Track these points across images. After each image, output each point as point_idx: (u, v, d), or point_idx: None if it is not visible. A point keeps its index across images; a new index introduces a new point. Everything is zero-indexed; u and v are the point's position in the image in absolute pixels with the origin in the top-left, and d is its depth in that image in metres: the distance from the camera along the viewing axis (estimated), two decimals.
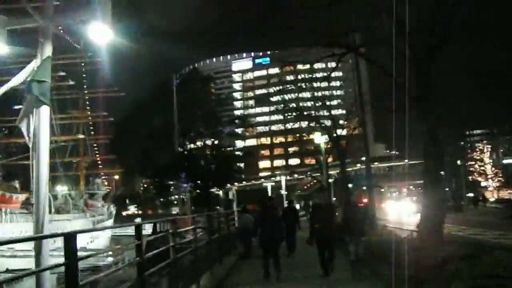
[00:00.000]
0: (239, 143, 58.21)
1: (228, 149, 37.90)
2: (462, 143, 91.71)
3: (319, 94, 34.24)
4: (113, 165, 73.48)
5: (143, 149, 35.93)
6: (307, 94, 37.76)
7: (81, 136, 73.38)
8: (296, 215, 22.01)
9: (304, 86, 35.05)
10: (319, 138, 31.23)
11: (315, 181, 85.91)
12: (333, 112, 34.02)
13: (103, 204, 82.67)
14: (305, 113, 34.14)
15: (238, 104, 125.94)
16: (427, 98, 15.00)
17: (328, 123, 33.25)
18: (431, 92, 15.24)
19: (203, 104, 37.12)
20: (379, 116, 28.22)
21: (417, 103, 14.80)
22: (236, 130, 39.30)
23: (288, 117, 41.78)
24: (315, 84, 34.60)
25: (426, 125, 15.10)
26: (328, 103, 33.48)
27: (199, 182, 36.70)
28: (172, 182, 38.02)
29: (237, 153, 39.33)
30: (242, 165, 40.16)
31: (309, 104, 35.58)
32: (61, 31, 11.65)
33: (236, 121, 38.98)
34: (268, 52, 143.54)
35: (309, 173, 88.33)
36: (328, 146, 33.44)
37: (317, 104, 31.61)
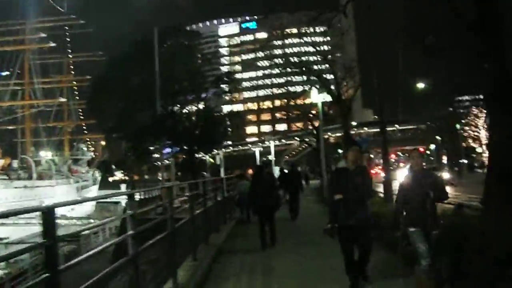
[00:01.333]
0: (226, 107, 54.84)
1: (214, 111, 34.36)
2: (451, 108, 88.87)
3: (319, 48, 30.65)
4: (96, 129, 70.49)
5: (121, 110, 32.21)
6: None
7: (62, 99, 69.84)
8: (299, 179, 21.22)
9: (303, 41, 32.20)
10: (317, 97, 28.18)
11: (304, 145, 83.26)
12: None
13: (87, 169, 79.89)
14: (303, 68, 30.75)
15: (224, 69, 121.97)
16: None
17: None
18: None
19: (188, 61, 33.54)
20: (366, 81, 25.16)
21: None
22: (223, 88, 35.71)
23: (283, 70, 38.36)
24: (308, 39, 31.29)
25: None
26: (329, 57, 29.99)
27: (183, 146, 33.38)
28: (153, 147, 34.62)
29: (223, 113, 36.25)
30: (229, 128, 36.53)
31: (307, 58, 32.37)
32: None
33: (224, 79, 35.13)
34: (255, 17, 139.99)
35: (297, 138, 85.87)
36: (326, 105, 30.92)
37: (317, 58, 28.18)
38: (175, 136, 31.65)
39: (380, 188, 18.05)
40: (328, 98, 29.96)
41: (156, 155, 37.98)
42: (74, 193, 66.62)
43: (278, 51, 46.81)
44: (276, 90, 79.34)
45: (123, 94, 31.42)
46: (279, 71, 43.34)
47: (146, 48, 30.84)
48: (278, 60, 38.55)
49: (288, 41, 44.91)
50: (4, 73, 64.95)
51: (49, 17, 69.22)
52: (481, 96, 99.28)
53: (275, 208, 13.14)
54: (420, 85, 44.46)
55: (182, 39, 32.57)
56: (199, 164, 43.70)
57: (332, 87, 27.79)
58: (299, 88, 44.99)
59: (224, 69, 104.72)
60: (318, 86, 28.72)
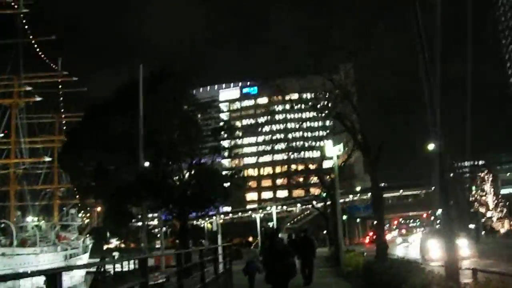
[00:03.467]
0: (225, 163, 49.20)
1: (211, 167, 28.16)
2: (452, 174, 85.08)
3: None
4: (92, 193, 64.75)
5: (98, 163, 26.06)
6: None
7: (48, 158, 64.29)
8: (313, 244, 19.80)
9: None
10: (332, 149, 22.82)
11: (307, 212, 78.10)
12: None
13: (77, 236, 73.47)
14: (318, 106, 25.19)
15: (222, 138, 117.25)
16: None
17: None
18: None
19: (180, 110, 27.89)
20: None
21: None
22: (222, 143, 29.93)
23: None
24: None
25: None
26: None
27: (172, 208, 27.07)
28: (135, 209, 28.21)
29: (222, 169, 30.44)
30: (228, 187, 30.23)
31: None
32: None
33: (223, 129, 29.39)
34: (256, 82, 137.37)
35: (299, 204, 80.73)
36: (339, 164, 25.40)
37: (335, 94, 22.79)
38: (164, 196, 25.43)
39: None
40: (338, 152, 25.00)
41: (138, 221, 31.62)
42: (61, 261, 60.09)
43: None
44: (278, 156, 75.79)
45: (100, 146, 25.45)
46: (282, 128, 39.54)
47: (130, 93, 25.62)
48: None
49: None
50: None
51: (41, 73, 65.21)
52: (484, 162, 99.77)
53: (291, 275, 12.62)
54: (431, 146, 39.38)
55: (175, 83, 26.92)
56: (197, 230, 37.58)
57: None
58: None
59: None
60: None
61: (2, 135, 60.37)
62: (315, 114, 28.85)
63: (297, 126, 76.12)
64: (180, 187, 26.51)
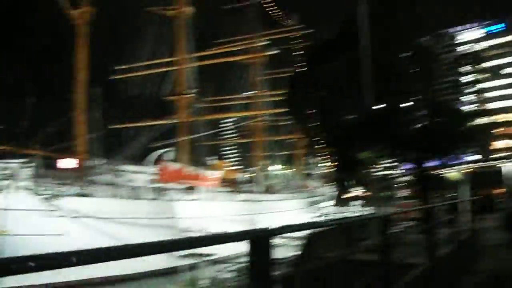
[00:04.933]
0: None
1: (451, 104, 23.29)
2: None
3: None
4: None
5: (321, 104, 23.47)
6: None
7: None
8: None
9: None
10: None
11: None
12: None
13: (321, 184, 74.09)
14: None
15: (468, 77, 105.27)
16: None
17: None
18: None
19: (413, 40, 23.50)
20: None
21: None
22: (463, 78, 24.62)
23: None
24: None
25: None
26: None
27: (407, 154, 23.23)
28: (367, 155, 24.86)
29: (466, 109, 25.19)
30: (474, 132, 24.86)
31: None
32: None
33: (464, 65, 24.07)
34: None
35: None
36: None
37: None
38: (396, 140, 21.80)
39: None
40: None
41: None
42: (304, 208, 61.12)
43: None
44: None
45: (324, 88, 22.77)
46: None
47: (353, 28, 22.22)
48: None
49: None
50: None
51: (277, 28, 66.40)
52: None
53: None
54: None
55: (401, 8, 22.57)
56: (438, 180, 32.98)
57: None
58: None
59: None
60: None
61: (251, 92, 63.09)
62: None
63: None
64: (415, 130, 22.55)
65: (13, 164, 27.68)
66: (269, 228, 3.15)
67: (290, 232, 3.89)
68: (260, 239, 3.00)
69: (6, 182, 26.26)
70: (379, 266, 5.60)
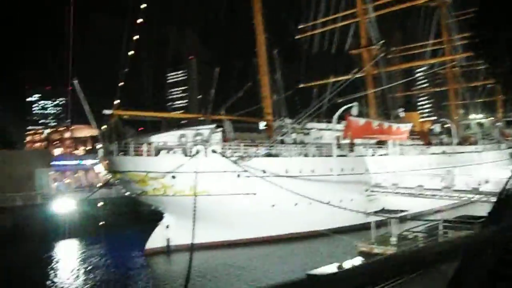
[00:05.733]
0: None
1: None
2: None
3: None
4: None
5: None
6: None
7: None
8: None
9: None
10: None
11: None
12: None
13: None
14: None
15: None
16: None
17: None
18: None
19: None
20: None
21: None
22: None
23: None
24: None
25: None
26: None
27: None
28: None
29: None
30: None
31: None
32: None
33: None
34: None
35: None
36: None
37: None
38: None
39: None
40: None
41: None
42: (505, 160, 55.16)
43: None
44: None
45: None
46: None
47: None
48: None
49: None
50: None
51: None
52: None
53: None
54: None
55: None
56: None
57: None
58: None
59: None
60: None
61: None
62: None
63: None
64: None
65: (205, 129, 29.48)
66: None
67: None
68: None
69: (199, 147, 28.06)
70: None
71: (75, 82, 26.60)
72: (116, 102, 29.21)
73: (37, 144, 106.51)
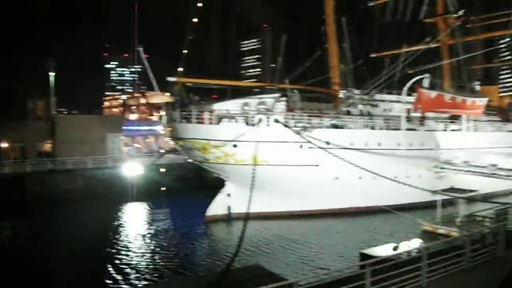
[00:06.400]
0: None
1: None
2: None
3: None
4: None
5: None
6: None
7: None
8: None
9: None
10: None
11: None
12: None
13: None
14: None
15: None
16: None
17: None
18: None
19: None
20: None
21: None
22: None
23: None
24: None
25: None
26: None
27: None
28: None
29: None
30: None
31: None
32: None
33: None
34: None
35: None
36: None
37: None
38: None
39: None
40: None
41: None
42: None
43: None
44: None
45: None
46: None
47: None
48: None
49: None
50: None
51: None
52: None
53: None
54: None
55: None
56: None
57: None
58: None
59: None
60: None
61: None
62: None
63: None
64: None
65: (269, 98, 28.81)
66: None
67: None
68: None
69: (262, 116, 27.50)
70: None
71: (140, 49, 26.77)
72: (180, 69, 29.11)
73: (115, 110, 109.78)
